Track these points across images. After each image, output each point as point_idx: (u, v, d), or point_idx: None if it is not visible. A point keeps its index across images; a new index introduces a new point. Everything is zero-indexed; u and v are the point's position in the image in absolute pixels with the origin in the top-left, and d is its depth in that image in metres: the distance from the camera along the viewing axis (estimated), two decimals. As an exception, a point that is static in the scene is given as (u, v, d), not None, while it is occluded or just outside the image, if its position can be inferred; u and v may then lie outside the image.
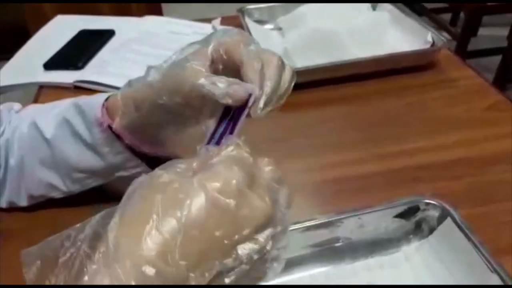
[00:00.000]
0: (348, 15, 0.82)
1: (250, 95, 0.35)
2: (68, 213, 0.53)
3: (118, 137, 0.46)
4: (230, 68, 0.38)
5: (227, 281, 0.25)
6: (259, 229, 0.26)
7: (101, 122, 0.45)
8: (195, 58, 0.38)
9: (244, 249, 0.25)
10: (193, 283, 0.24)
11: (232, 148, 0.28)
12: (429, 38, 0.77)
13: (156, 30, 0.91)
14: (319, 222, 0.45)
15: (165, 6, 1.86)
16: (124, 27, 0.92)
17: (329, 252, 0.46)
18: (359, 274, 0.45)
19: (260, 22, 0.90)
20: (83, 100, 0.48)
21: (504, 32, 1.98)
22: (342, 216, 0.45)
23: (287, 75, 0.39)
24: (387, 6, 0.87)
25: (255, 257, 0.26)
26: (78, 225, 0.28)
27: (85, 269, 0.24)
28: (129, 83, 0.44)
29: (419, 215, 0.47)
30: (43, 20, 0.95)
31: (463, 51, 1.83)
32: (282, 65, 0.38)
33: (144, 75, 0.42)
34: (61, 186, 0.50)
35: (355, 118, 0.68)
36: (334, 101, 0.72)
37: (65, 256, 0.26)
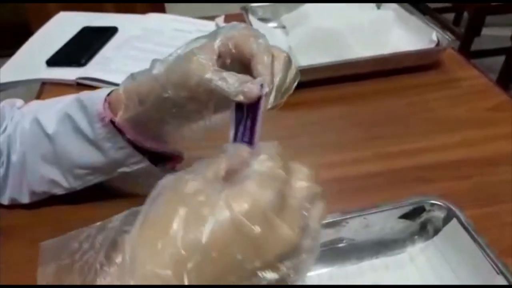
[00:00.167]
0: (352, 14, 0.81)
1: (262, 90, 0.34)
2: (70, 210, 0.53)
3: (120, 132, 0.46)
4: (238, 62, 0.38)
5: None
6: (283, 258, 0.24)
7: (103, 117, 0.45)
8: (202, 51, 0.38)
9: (263, 276, 0.24)
10: None
11: (264, 158, 0.26)
12: (434, 38, 0.76)
13: (159, 28, 0.90)
14: (325, 222, 0.45)
15: (168, 5, 1.86)
16: (127, 24, 0.91)
17: (333, 252, 0.46)
18: (364, 274, 0.45)
19: (264, 20, 0.90)
20: (85, 95, 0.48)
21: (508, 32, 1.98)
22: (348, 216, 0.45)
23: (292, 73, 0.38)
24: (392, 4, 0.86)
25: (274, 283, 0.25)
26: (98, 223, 0.27)
27: (98, 279, 0.24)
28: (132, 76, 0.43)
29: (424, 216, 0.47)
30: (46, 17, 0.95)
31: (466, 51, 1.83)
32: (289, 62, 0.38)
33: (148, 68, 0.41)
34: (63, 182, 0.50)
35: (358, 117, 0.67)
36: (337, 100, 0.71)
37: (81, 261, 0.25)
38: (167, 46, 0.83)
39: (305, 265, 0.26)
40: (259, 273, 0.24)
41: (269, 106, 0.35)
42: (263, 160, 0.26)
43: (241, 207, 0.23)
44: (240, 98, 0.34)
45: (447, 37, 0.76)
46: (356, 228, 0.46)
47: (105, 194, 0.54)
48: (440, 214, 0.46)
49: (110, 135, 0.46)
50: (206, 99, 0.38)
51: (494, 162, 0.57)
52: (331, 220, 0.45)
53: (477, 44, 1.91)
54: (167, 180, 0.26)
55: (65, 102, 0.49)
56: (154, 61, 0.41)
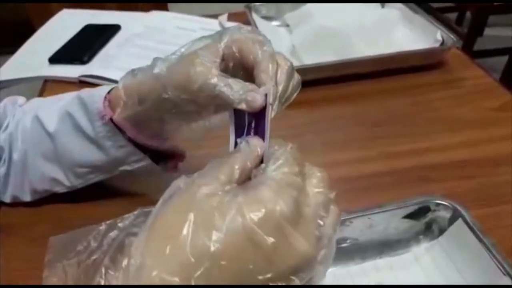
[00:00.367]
0: (357, 12, 0.81)
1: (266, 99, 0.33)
2: (71, 209, 0.53)
3: (120, 130, 0.45)
4: (241, 66, 0.37)
5: None
6: (297, 270, 0.23)
7: (103, 115, 0.44)
8: (206, 53, 0.37)
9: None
10: None
11: (280, 164, 0.25)
12: (439, 37, 0.76)
13: (162, 26, 0.90)
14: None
15: (170, 4, 1.85)
16: (130, 22, 0.91)
17: (337, 252, 0.45)
18: (368, 274, 0.44)
19: (267, 18, 0.89)
20: (86, 92, 0.47)
21: (510, 32, 1.97)
22: (352, 216, 0.44)
23: (294, 82, 0.38)
24: (396, 4, 0.86)
25: None
26: (109, 221, 0.26)
27: (102, 282, 0.23)
28: (132, 73, 0.42)
29: (429, 216, 0.46)
30: (48, 14, 0.95)
31: (469, 51, 1.82)
32: (292, 71, 0.37)
33: (149, 66, 0.40)
34: (64, 180, 0.50)
35: (361, 116, 0.67)
36: (341, 99, 0.71)
37: (88, 260, 0.24)
38: (170, 44, 0.83)
39: (319, 276, 0.25)
40: (271, 284, 0.23)
41: (272, 115, 0.34)
42: (279, 166, 0.25)
43: (254, 216, 0.22)
44: (243, 106, 0.33)
45: (452, 36, 0.75)
46: (360, 228, 0.45)
47: (106, 193, 0.53)
48: (445, 214, 0.45)
49: (111, 134, 0.46)
50: (206, 103, 0.37)
51: (498, 162, 0.57)
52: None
53: (480, 44, 1.91)
54: (181, 181, 0.26)
55: (66, 100, 0.49)
56: (156, 59, 0.40)
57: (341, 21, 0.78)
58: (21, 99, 0.55)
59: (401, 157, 0.58)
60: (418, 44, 0.77)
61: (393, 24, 0.81)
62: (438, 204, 0.46)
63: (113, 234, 0.25)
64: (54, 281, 0.26)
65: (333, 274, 0.44)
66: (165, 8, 1.79)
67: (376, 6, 0.87)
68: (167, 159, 0.51)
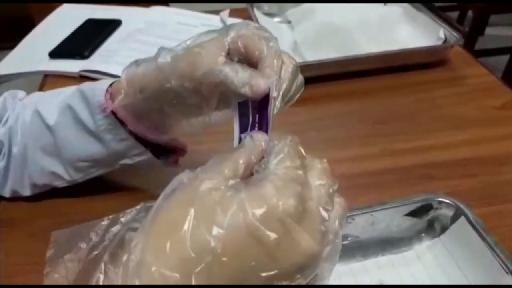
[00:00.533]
0: (359, 9, 0.80)
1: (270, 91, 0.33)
2: (71, 203, 0.52)
3: (121, 123, 0.45)
4: (246, 62, 0.37)
5: None
6: (302, 268, 0.23)
7: (105, 107, 0.44)
8: (211, 46, 0.36)
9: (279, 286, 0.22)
10: None
11: (282, 158, 0.25)
12: (441, 35, 0.76)
13: (163, 21, 0.90)
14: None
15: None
16: (131, 17, 0.90)
17: (339, 249, 0.45)
18: (369, 272, 0.44)
19: (269, 15, 0.89)
20: (86, 86, 0.47)
21: (511, 31, 1.96)
22: (354, 213, 0.44)
23: (297, 83, 0.37)
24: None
25: None
26: (111, 216, 0.26)
27: (102, 277, 0.23)
28: (136, 63, 0.42)
29: (431, 214, 0.46)
30: (48, 9, 0.94)
31: (470, 50, 1.82)
32: (296, 71, 0.37)
33: (154, 56, 0.40)
34: (64, 174, 0.50)
35: (364, 113, 0.67)
36: (344, 96, 0.71)
37: (90, 256, 0.24)
38: (170, 40, 0.82)
39: (325, 274, 0.25)
40: (275, 283, 0.22)
41: (275, 112, 0.34)
42: (280, 160, 0.25)
43: (256, 211, 0.22)
44: (246, 90, 0.33)
45: (455, 34, 0.75)
46: (362, 225, 0.45)
47: (107, 187, 0.53)
48: (448, 212, 0.45)
49: (112, 127, 0.45)
50: (209, 94, 0.37)
51: (501, 161, 0.56)
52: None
53: (481, 44, 1.91)
54: (184, 176, 0.25)
55: (66, 93, 0.49)
56: (161, 50, 0.40)
57: (343, 17, 0.78)
58: (21, 93, 0.54)
59: (404, 154, 0.58)
60: (421, 42, 0.77)
61: (396, 21, 0.81)
62: (440, 202, 0.45)
63: (115, 229, 0.25)
64: (55, 277, 0.26)
65: (335, 271, 0.43)
66: (166, 3, 1.78)
67: (378, 3, 0.86)
68: (168, 154, 0.50)
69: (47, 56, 0.79)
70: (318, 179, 0.25)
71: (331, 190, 0.25)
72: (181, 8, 0.95)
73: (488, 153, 0.58)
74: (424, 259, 0.45)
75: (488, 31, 2.16)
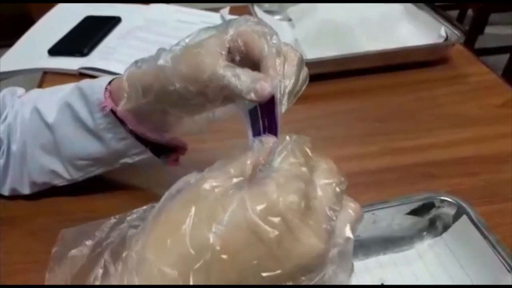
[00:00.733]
0: (360, 7, 0.80)
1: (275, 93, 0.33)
2: (71, 202, 0.52)
3: (121, 122, 0.45)
4: (248, 60, 0.36)
5: None
6: (306, 268, 0.22)
7: (104, 106, 0.44)
8: (212, 45, 0.36)
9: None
10: None
11: (285, 155, 0.24)
12: (443, 33, 0.75)
13: (163, 19, 0.89)
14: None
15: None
16: (130, 14, 0.90)
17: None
18: (371, 271, 0.44)
19: (270, 12, 0.89)
20: (85, 83, 0.47)
21: (511, 30, 1.96)
22: (356, 211, 0.44)
23: (303, 74, 0.37)
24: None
25: None
26: (119, 215, 0.26)
27: (102, 273, 0.23)
28: (136, 64, 0.42)
29: (433, 212, 0.46)
30: (48, 6, 0.94)
31: (470, 49, 1.81)
32: (301, 63, 0.36)
33: (154, 57, 0.40)
34: (64, 173, 0.49)
35: (365, 112, 0.66)
36: (344, 94, 0.70)
37: (94, 253, 0.24)
38: (170, 37, 0.82)
39: (334, 279, 0.23)
40: (278, 283, 0.21)
41: (282, 111, 0.33)
42: (283, 158, 0.24)
43: (257, 208, 0.21)
44: (252, 96, 0.33)
45: (456, 32, 0.74)
46: (363, 224, 0.44)
47: (107, 186, 0.53)
48: (450, 211, 0.45)
49: (111, 125, 0.45)
50: (215, 95, 0.36)
51: (502, 159, 0.56)
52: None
53: (480, 42, 1.90)
54: (191, 177, 0.25)
55: (65, 90, 0.48)
56: (160, 50, 0.39)
57: (344, 15, 0.78)
58: (20, 90, 0.54)
59: (404, 153, 0.58)
60: (422, 40, 0.77)
61: (397, 19, 0.81)
62: (442, 201, 0.45)
63: (121, 227, 0.24)
64: (56, 271, 0.25)
65: (336, 270, 0.44)
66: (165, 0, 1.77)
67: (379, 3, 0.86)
68: (168, 152, 0.50)
69: (46, 53, 0.78)
70: (324, 179, 0.25)
71: (338, 190, 0.25)
72: (181, 5, 0.94)
73: (490, 151, 0.57)
74: (426, 257, 0.45)
75: (488, 30, 2.15)
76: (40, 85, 0.73)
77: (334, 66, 0.71)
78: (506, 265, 0.39)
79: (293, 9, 0.86)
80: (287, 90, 0.34)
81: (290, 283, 0.22)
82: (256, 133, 0.33)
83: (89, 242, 0.25)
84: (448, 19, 0.79)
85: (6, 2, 2.10)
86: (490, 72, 0.73)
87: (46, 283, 0.26)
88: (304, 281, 0.22)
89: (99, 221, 0.26)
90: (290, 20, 0.86)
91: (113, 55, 0.77)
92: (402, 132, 0.62)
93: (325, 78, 0.70)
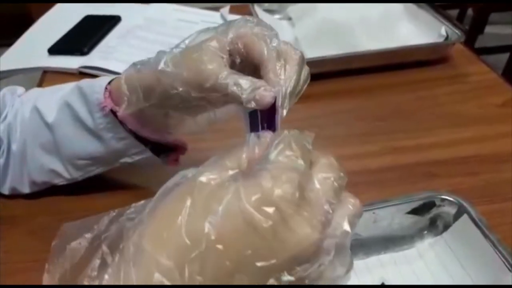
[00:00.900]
0: (360, 6, 0.80)
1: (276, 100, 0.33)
2: (71, 201, 0.52)
3: (120, 122, 0.44)
4: (248, 62, 0.36)
5: None
6: (301, 259, 0.22)
7: (104, 106, 0.44)
8: (212, 49, 0.36)
9: (278, 279, 0.21)
10: None
11: (281, 147, 0.24)
12: (443, 32, 0.75)
13: (163, 18, 0.89)
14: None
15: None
16: (130, 13, 0.90)
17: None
18: (371, 270, 0.44)
19: (270, 11, 0.89)
20: (85, 83, 0.47)
21: (510, 30, 1.96)
22: (356, 210, 0.44)
23: (305, 73, 0.37)
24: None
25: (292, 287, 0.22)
26: (119, 209, 0.26)
27: (98, 264, 0.23)
28: (135, 66, 0.41)
29: (434, 211, 0.46)
30: (48, 6, 0.94)
31: (470, 48, 1.81)
32: (302, 62, 0.36)
33: (153, 60, 0.39)
34: (64, 172, 0.49)
35: (365, 111, 0.66)
36: (345, 93, 0.70)
37: (92, 245, 0.24)
38: (170, 36, 0.82)
39: (331, 272, 0.23)
40: (274, 275, 0.22)
41: (284, 114, 0.33)
42: (280, 150, 0.24)
43: (251, 198, 0.21)
44: (252, 105, 0.33)
45: (456, 31, 0.74)
46: (364, 223, 0.45)
47: (107, 185, 0.53)
48: (450, 210, 0.45)
49: (111, 125, 0.45)
50: (216, 99, 0.36)
51: (503, 159, 0.56)
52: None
53: (480, 42, 1.90)
54: (188, 171, 0.25)
55: (65, 90, 0.48)
56: (161, 54, 0.39)
57: (344, 15, 0.78)
58: (20, 89, 0.54)
59: (405, 152, 0.58)
60: (422, 39, 0.77)
61: (397, 18, 0.81)
62: (443, 200, 0.45)
63: (119, 221, 0.25)
64: (55, 263, 0.26)
65: (336, 269, 0.44)
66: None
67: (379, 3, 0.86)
68: (168, 152, 0.50)
69: (46, 52, 0.78)
70: (323, 173, 0.25)
71: (336, 184, 0.24)
72: (181, 4, 0.94)
73: (490, 151, 0.57)
74: (426, 257, 0.45)
75: (488, 29, 2.15)
76: (40, 84, 0.73)
77: (334, 65, 0.71)
78: (506, 264, 0.39)
79: (293, 8, 0.86)
80: (288, 91, 0.34)
81: (285, 274, 0.22)
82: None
83: (88, 235, 0.25)
84: (448, 19, 0.79)
85: (6, 2, 2.10)
86: (490, 71, 0.73)
87: (46, 274, 0.26)
88: (299, 271, 0.22)
89: (99, 215, 0.26)
90: (290, 19, 0.86)
91: (113, 54, 0.77)
92: (403, 132, 0.61)
93: (325, 77, 0.70)
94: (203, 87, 0.35)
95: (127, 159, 0.48)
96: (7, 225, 0.50)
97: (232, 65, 0.37)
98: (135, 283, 0.21)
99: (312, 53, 0.72)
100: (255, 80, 0.34)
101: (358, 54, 0.71)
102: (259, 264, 0.21)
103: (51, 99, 0.48)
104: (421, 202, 0.45)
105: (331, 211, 0.23)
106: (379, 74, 0.73)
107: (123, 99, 0.42)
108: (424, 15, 0.80)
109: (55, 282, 0.25)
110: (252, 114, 0.35)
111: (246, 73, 0.35)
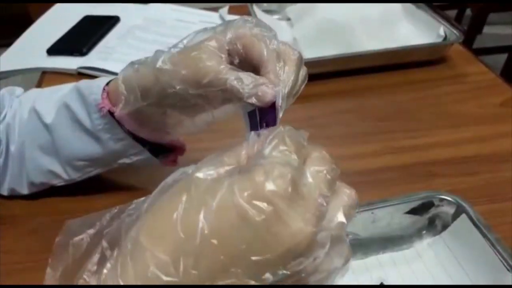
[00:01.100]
0: (359, 6, 0.80)
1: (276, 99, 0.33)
2: (71, 201, 0.52)
3: (119, 123, 0.44)
4: (247, 63, 0.36)
5: None
6: (295, 253, 0.22)
7: (102, 107, 0.44)
8: (211, 48, 0.36)
9: (273, 272, 0.22)
10: None
11: (276, 143, 0.24)
12: (441, 32, 0.75)
13: (162, 18, 0.89)
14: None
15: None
16: (129, 14, 0.90)
17: (340, 247, 0.45)
18: (370, 270, 0.44)
19: (269, 12, 0.89)
20: (84, 84, 0.46)
21: (509, 30, 1.96)
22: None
23: (303, 74, 0.37)
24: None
25: (289, 281, 0.23)
26: (121, 205, 0.26)
27: (95, 260, 0.23)
28: (132, 66, 0.41)
29: (432, 211, 0.46)
30: (47, 6, 0.94)
31: (469, 49, 1.81)
32: (300, 63, 0.36)
33: (151, 59, 0.39)
34: (62, 173, 0.49)
35: (364, 111, 0.67)
36: (344, 94, 0.70)
37: (93, 241, 0.24)
38: (169, 37, 0.82)
39: (328, 264, 0.24)
40: (270, 269, 0.22)
41: (280, 115, 0.34)
42: (274, 145, 0.24)
43: (244, 193, 0.22)
44: (253, 101, 0.33)
45: (455, 31, 0.74)
46: (363, 223, 0.45)
47: (107, 185, 0.53)
48: (449, 210, 0.45)
49: (109, 126, 0.45)
50: (215, 97, 0.36)
51: (502, 158, 0.56)
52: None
53: (479, 42, 1.90)
54: (188, 168, 0.25)
55: (64, 91, 0.48)
56: (158, 53, 0.39)
57: (343, 15, 0.78)
58: (19, 90, 0.54)
59: (404, 152, 0.58)
60: (421, 39, 0.77)
61: (396, 18, 0.81)
62: (442, 200, 0.45)
63: (121, 217, 0.25)
64: (58, 258, 0.26)
65: (336, 269, 0.44)
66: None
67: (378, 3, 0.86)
68: (166, 152, 0.50)
69: (45, 53, 0.78)
70: (315, 166, 0.25)
71: (329, 177, 0.24)
72: (180, 5, 0.94)
73: (490, 150, 0.57)
74: (425, 256, 0.45)
75: (486, 29, 2.15)
76: (38, 85, 0.73)
77: (333, 65, 0.71)
78: (505, 264, 0.39)
79: (292, 9, 0.86)
80: (286, 91, 0.34)
81: (280, 268, 0.22)
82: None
83: (91, 231, 0.26)
84: (447, 19, 0.79)
85: (5, 2, 2.10)
86: (488, 71, 0.73)
87: (48, 268, 0.26)
88: (294, 265, 0.22)
89: (102, 212, 0.26)
90: (289, 19, 0.86)
91: (112, 54, 0.77)
92: (402, 131, 0.62)
93: (324, 78, 0.70)
94: (201, 83, 0.35)
95: (126, 160, 0.48)
96: (7, 225, 0.50)
97: (230, 65, 0.37)
98: (132, 277, 0.21)
99: (311, 54, 0.72)
100: (257, 76, 0.34)
101: (357, 54, 0.71)
102: (253, 258, 0.21)
103: (49, 100, 0.48)
104: (419, 202, 0.45)
105: (325, 204, 0.23)
106: (377, 74, 0.73)
107: (120, 98, 0.42)
108: (422, 15, 0.81)
109: (57, 277, 0.26)
110: (251, 114, 0.35)
111: None
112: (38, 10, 0.94)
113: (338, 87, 0.71)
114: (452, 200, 0.45)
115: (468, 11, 2.01)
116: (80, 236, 0.26)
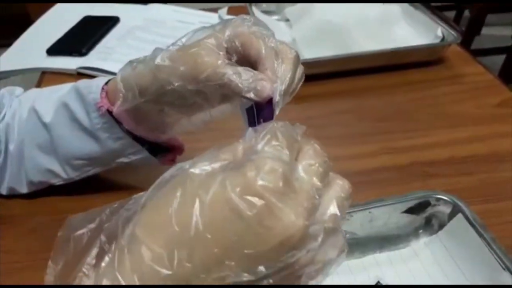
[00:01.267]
0: (357, 7, 0.81)
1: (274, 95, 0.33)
2: (70, 200, 0.52)
3: (117, 122, 0.45)
4: (245, 61, 0.36)
5: None
6: (287, 245, 0.22)
7: (100, 106, 0.44)
8: (210, 45, 0.36)
9: (267, 265, 0.22)
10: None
11: (268, 138, 0.24)
12: (439, 33, 0.76)
13: (161, 19, 0.89)
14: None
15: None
16: (129, 14, 0.90)
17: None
18: (367, 269, 0.44)
19: (268, 12, 0.89)
20: (82, 83, 0.47)
21: (507, 31, 1.97)
22: (352, 210, 0.44)
23: (299, 72, 0.37)
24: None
25: (283, 273, 0.23)
26: (122, 200, 0.27)
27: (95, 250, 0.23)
28: (131, 64, 0.42)
29: (429, 211, 0.46)
30: (47, 6, 0.94)
31: (467, 50, 1.82)
32: (297, 62, 0.37)
33: (150, 57, 0.40)
34: (61, 172, 0.49)
35: (362, 111, 0.67)
36: (342, 94, 0.71)
37: (93, 235, 0.25)
38: (169, 37, 0.82)
39: (323, 256, 0.24)
40: (262, 261, 0.22)
41: (277, 112, 0.34)
42: (267, 140, 0.24)
43: (235, 187, 0.22)
44: (251, 95, 0.33)
45: (452, 32, 0.75)
46: (360, 222, 0.45)
47: (106, 184, 0.53)
48: (445, 209, 0.45)
49: (107, 125, 0.45)
50: (213, 93, 0.37)
51: (499, 159, 0.57)
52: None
53: (477, 43, 1.91)
54: (186, 163, 0.25)
55: (63, 91, 0.48)
56: (157, 50, 0.39)
57: (342, 16, 0.78)
58: (18, 90, 0.54)
59: (402, 152, 0.58)
60: (419, 40, 0.77)
61: (394, 19, 0.81)
62: (438, 199, 0.46)
63: (120, 212, 0.26)
64: (59, 252, 0.26)
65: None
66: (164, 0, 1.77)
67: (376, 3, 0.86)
68: (165, 152, 0.50)
69: (44, 53, 0.79)
70: (306, 160, 0.25)
71: (321, 169, 0.25)
72: (180, 5, 0.95)
73: (486, 151, 0.58)
74: (422, 256, 0.45)
75: (485, 30, 2.16)
76: (38, 85, 0.73)
77: (331, 66, 0.72)
78: (501, 263, 0.40)
79: (291, 9, 0.86)
80: (283, 88, 0.34)
81: (274, 261, 0.22)
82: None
83: (92, 225, 0.26)
84: (445, 20, 0.79)
85: (5, 2, 2.10)
86: (486, 72, 0.74)
87: (50, 262, 0.27)
88: (287, 258, 0.22)
89: (103, 207, 0.27)
90: (287, 20, 0.86)
91: (112, 55, 0.78)
92: (400, 132, 0.62)
93: (323, 78, 0.71)
94: (199, 78, 0.35)
95: (124, 159, 0.48)
96: (6, 224, 0.50)
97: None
98: (128, 269, 0.22)
99: (309, 54, 0.72)
100: (256, 72, 0.34)
101: (355, 55, 0.72)
102: (246, 251, 0.22)
103: (48, 100, 0.49)
104: (416, 201, 0.46)
105: (317, 197, 0.24)
106: (376, 75, 0.73)
107: (118, 96, 0.42)
108: (420, 16, 0.81)
109: (58, 270, 0.26)
110: (249, 110, 0.35)
111: None
112: (38, 10, 0.94)
113: (336, 88, 0.71)
114: (449, 200, 0.45)
115: (467, 13, 2.01)
116: (81, 231, 0.26)
